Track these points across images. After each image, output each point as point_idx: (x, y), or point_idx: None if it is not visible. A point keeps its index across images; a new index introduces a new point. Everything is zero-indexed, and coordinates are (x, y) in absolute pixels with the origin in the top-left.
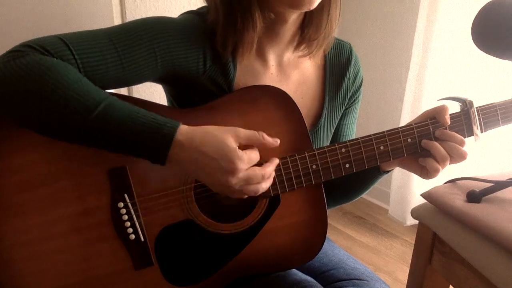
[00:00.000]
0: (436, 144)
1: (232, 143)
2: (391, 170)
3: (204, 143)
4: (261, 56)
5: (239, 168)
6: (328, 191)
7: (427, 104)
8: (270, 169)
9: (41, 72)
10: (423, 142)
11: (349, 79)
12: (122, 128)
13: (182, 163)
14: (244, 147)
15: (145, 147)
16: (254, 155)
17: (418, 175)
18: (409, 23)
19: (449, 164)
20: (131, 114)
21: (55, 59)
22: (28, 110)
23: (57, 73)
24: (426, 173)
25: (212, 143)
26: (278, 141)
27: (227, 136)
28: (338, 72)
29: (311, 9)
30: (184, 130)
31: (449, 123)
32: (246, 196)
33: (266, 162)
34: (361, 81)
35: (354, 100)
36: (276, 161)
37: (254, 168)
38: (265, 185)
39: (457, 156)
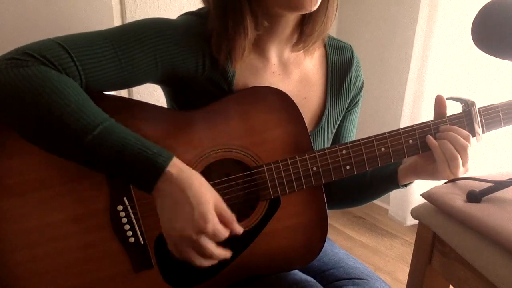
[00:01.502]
0: (446, 142)
1: (212, 207)
2: (409, 183)
3: (192, 189)
4: (262, 53)
5: (207, 229)
6: (339, 197)
7: (428, 104)
8: (222, 254)
9: (40, 88)
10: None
11: (350, 81)
12: (115, 155)
13: (162, 195)
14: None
15: (136, 175)
16: (224, 233)
17: (436, 178)
18: (409, 23)
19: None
20: (125, 143)
21: (54, 72)
22: (23, 124)
23: (56, 91)
24: (444, 175)
25: (198, 194)
26: (241, 231)
27: (213, 197)
28: (339, 74)
29: (311, 11)
30: (176, 165)
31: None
32: (182, 259)
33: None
34: (362, 84)
35: (355, 103)
36: (229, 253)
37: (213, 243)
38: (206, 263)
39: (460, 148)
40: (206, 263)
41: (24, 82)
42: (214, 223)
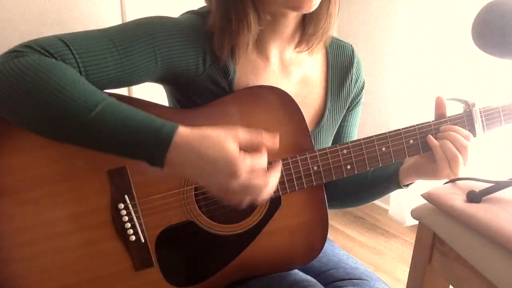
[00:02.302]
0: (447, 142)
1: (232, 145)
2: (410, 184)
3: (203, 146)
4: (263, 53)
5: (239, 171)
6: (340, 196)
7: (428, 104)
8: (274, 175)
9: (39, 72)
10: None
11: (351, 81)
12: (120, 130)
13: (180, 166)
14: (249, 149)
15: (143, 149)
16: (259, 160)
17: (437, 178)
18: (410, 22)
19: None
20: (129, 116)
21: (53, 59)
22: (25, 111)
23: (55, 74)
24: (444, 174)
25: (211, 146)
26: (277, 143)
27: (227, 138)
28: (340, 73)
29: (309, 11)
30: (182, 132)
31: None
32: (245, 203)
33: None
34: (363, 84)
35: (356, 103)
36: (279, 165)
37: (257, 175)
38: (267, 194)
39: (460, 147)
40: (267, 191)
41: (22, 69)
42: (242, 160)
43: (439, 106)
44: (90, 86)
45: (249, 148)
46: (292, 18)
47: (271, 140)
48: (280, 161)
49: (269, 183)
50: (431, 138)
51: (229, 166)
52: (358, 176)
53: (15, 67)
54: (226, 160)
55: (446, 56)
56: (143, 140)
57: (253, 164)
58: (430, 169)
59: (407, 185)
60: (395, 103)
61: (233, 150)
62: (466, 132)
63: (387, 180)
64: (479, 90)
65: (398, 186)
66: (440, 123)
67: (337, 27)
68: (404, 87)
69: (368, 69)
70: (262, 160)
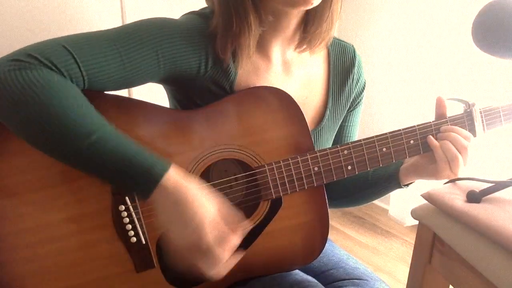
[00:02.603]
0: (448, 142)
1: (206, 222)
2: (410, 183)
3: (185, 203)
4: (265, 53)
5: (200, 246)
6: (340, 196)
7: (429, 104)
8: (230, 261)
9: (41, 93)
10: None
11: (352, 81)
12: (111, 162)
13: (159, 206)
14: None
15: (132, 184)
16: (223, 255)
17: (436, 178)
18: (410, 22)
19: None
20: (122, 149)
21: (56, 78)
22: (22, 126)
23: (58, 96)
24: (444, 174)
25: (191, 208)
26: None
27: (208, 208)
28: (341, 74)
29: (308, 7)
30: (172, 176)
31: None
32: (195, 271)
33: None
34: (364, 84)
35: (357, 103)
36: (238, 258)
37: (226, 245)
38: (216, 272)
39: (461, 147)
40: (207, 276)
41: (25, 85)
42: (208, 240)
43: (440, 106)
44: (90, 111)
45: (226, 222)
46: (293, 18)
47: (242, 231)
48: (241, 254)
49: (217, 271)
50: (431, 138)
51: (195, 236)
52: (358, 176)
53: (17, 80)
54: (196, 228)
55: (447, 56)
56: (133, 176)
57: (214, 250)
58: (430, 169)
59: (407, 185)
60: (395, 103)
61: (206, 223)
62: (466, 132)
63: (387, 180)
64: (480, 90)
65: (398, 185)
66: (440, 123)
67: (338, 27)
68: (405, 86)
69: (370, 69)
70: (224, 253)
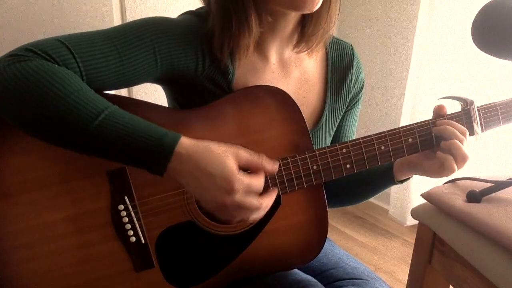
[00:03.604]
0: (457, 143)
1: (232, 163)
2: (406, 180)
3: (204, 159)
4: (262, 53)
5: (235, 189)
6: (336, 193)
7: (428, 103)
8: (267, 201)
9: (42, 79)
10: (442, 142)
11: (350, 80)
12: (122, 138)
13: (179, 176)
14: (248, 169)
15: (145, 157)
16: (256, 183)
17: (430, 176)
18: (410, 22)
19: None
20: (131, 124)
21: (56, 65)
22: (26, 116)
23: (58, 80)
24: (440, 171)
25: (212, 161)
26: (277, 168)
27: (228, 155)
28: (340, 73)
29: (312, 11)
30: (185, 143)
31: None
32: (235, 221)
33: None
34: (362, 84)
35: (355, 103)
36: (275, 192)
37: (252, 196)
38: (257, 216)
39: (456, 141)
40: (258, 215)
41: (25, 75)
42: (239, 179)
43: (439, 111)
44: (93, 93)
45: (248, 169)
46: (291, 18)
47: (271, 166)
48: (276, 189)
49: (262, 206)
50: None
51: (226, 183)
52: (354, 173)
53: (17, 71)
54: (224, 176)
55: (447, 55)
56: (146, 149)
57: (249, 185)
58: (426, 165)
59: (402, 181)
60: (396, 103)
61: (232, 168)
62: (462, 127)
63: (381, 176)
64: (480, 90)
65: (393, 181)
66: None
67: (337, 27)
68: (405, 86)
69: (369, 69)
70: (258, 183)
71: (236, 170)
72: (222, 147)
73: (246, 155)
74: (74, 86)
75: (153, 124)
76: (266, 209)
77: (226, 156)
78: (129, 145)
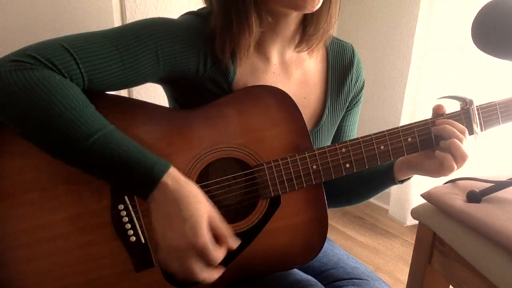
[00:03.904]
0: (456, 142)
1: (206, 221)
2: (406, 180)
3: (185, 202)
4: (263, 53)
5: (197, 244)
6: (336, 194)
7: (428, 103)
8: (207, 275)
9: (42, 92)
10: (441, 142)
11: (351, 80)
12: (111, 163)
13: (158, 205)
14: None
15: (132, 183)
16: (215, 255)
17: (430, 175)
18: (410, 22)
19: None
20: (123, 148)
21: (58, 76)
22: (24, 126)
23: (59, 96)
24: (439, 171)
25: (191, 206)
26: (237, 245)
27: (205, 209)
28: (340, 73)
29: (313, 11)
30: (172, 175)
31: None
32: (176, 272)
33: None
34: (363, 84)
35: (356, 103)
36: (220, 271)
37: (201, 263)
38: (190, 278)
39: (456, 139)
40: (189, 277)
41: (27, 86)
42: (204, 238)
43: (438, 110)
44: (92, 111)
45: (215, 235)
46: (293, 19)
47: (234, 244)
48: (223, 269)
49: (200, 277)
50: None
51: (192, 234)
52: (354, 173)
53: (19, 81)
54: (193, 227)
55: (448, 56)
56: (134, 174)
57: (209, 249)
58: (426, 165)
59: (402, 181)
60: (396, 103)
61: (204, 224)
62: (461, 126)
63: (382, 176)
64: (479, 90)
65: (393, 181)
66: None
67: (337, 27)
68: (405, 86)
69: (369, 69)
70: (217, 256)
71: (207, 229)
72: (205, 200)
73: (218, 220)
74: (74, 102)
75: (144, 151)
76: (203, 280)
77: (205, 211)
78: (118, 168)
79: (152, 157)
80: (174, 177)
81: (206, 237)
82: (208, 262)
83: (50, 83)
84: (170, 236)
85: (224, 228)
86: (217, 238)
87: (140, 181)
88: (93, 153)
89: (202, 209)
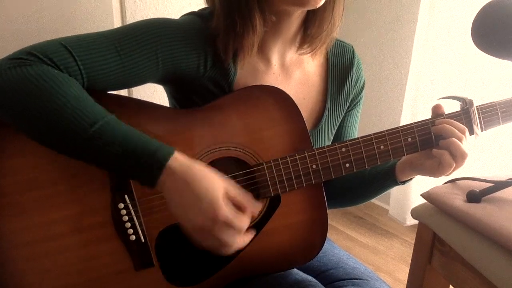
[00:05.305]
0: (456, 141)
1: (221, 192)
2: (409, 180)
3: (195, 182)
4: (264, 54)
5: (218, 218)
6: (338, 194)
7: (427, 104)
8: (243, 239)
9: (41, 86)
10: (440, 141)
11: (351, 81)
12: (116, 149)
13: (168, 190)
14: (234, 205)
15: (137, 170)
16: (239, 222)
17: (431, 175)
18: (410, 22)
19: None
20: (125, 136)
21: (57, 71)
22: (24, 121)
23: (59, 88)
24: (439, 169)
25: (202, 185)
26: (259, 208)
27: (220, 183)
28: (340, 74)
29: (316, 7)
30: (178, 158)
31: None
32: (207, 248)
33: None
34: (363, 84)
35: (356, 103)
36: (252, 235)
37: (230, 232)
38: (226, 252)
39: (456, 139)
40: (226, 251)
41: (26, 80)
42: (224, 210)
43: (437, 110)
44: (92, 102)
45: (235, 204)
46: (295, 19)
47: (256, 208)
48: (254, 231)
49: (234, 245)
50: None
51: (211, 209)
52: (355, 174)
53: (18, 76)
54: (211, 202)
55: (446, 55)
56: (138, 161)
57: (232, 221)
58: (427, 164)
59: (404, 182)
60: (396, 104)
61: (220, 197)
62: (461, 126)
63: (383, 177)
64: (479, 91)
65: (395, 182)
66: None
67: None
68: (405, 86)
69: (369, 69)
70: (242, 222)
71: (224, 200)
72: (215, 175)
73: (234, 190)
74: (73, 94)
75: (148, 137)
76: (238, 248)
77: (218, 184)
78: (121, 156)
79: (156, 142)
80: (180, 160)
81: (225, 209)
82: (236, 231)
83: (49, 76)
84: (192, 218)
85: (242, 195)
86: (238, 207)
87: (145, 166)
88: (95, 143)
89: (215, 183)
